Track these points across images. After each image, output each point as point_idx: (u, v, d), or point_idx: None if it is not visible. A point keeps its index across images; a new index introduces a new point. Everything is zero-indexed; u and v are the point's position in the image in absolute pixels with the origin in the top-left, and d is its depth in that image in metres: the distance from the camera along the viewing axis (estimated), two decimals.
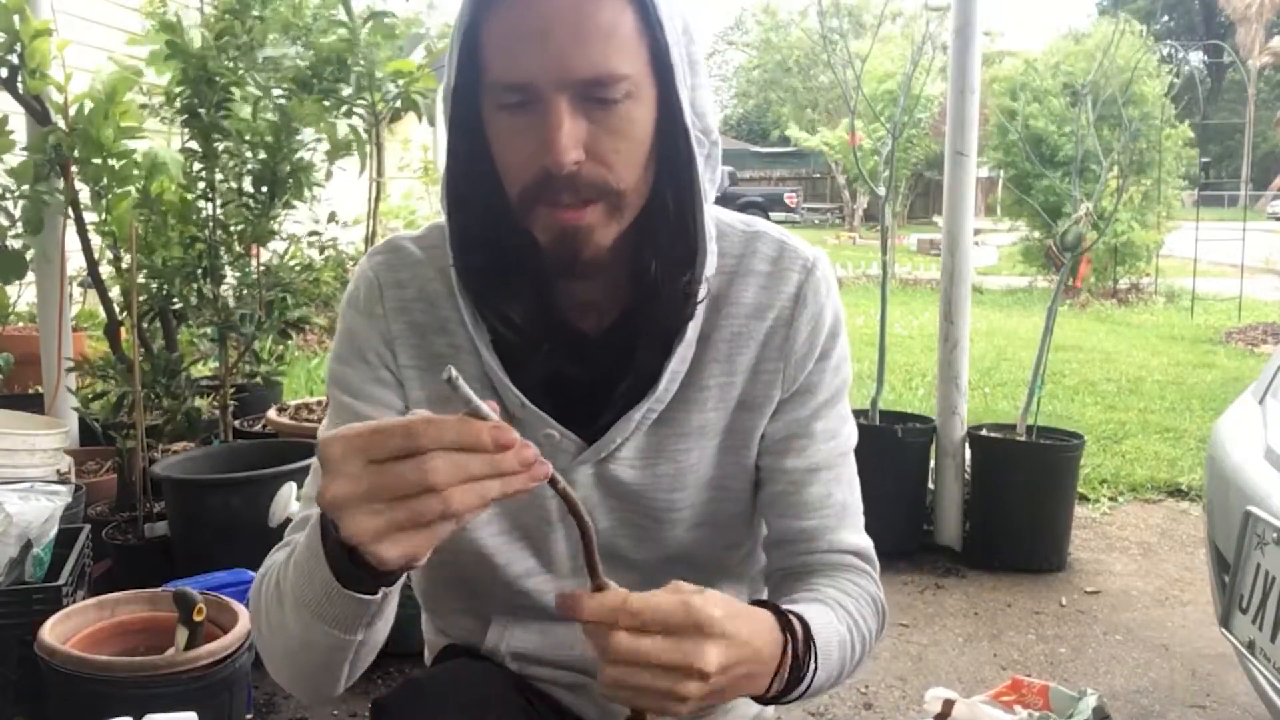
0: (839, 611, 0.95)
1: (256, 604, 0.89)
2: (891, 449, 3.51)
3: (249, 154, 3.08)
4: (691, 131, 0.86)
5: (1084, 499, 4.11)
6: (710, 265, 0.91)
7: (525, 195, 0.84)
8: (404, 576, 0.80)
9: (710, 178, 0.90)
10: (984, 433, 3.60)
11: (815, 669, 0.87)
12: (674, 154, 0.86)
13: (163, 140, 3.41)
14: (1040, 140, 10.96)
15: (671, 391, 0.95)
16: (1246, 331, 9.21)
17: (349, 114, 3.25)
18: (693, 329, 0.93)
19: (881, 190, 3.88)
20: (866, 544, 1.04)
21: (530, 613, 1.04)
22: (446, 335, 0.96)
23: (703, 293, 0.91)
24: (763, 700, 0.85)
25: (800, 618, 0.87)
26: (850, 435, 1.05)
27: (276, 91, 3.06)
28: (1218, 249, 11.73)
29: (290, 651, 0.84)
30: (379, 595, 0.76)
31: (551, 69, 0.78)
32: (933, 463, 3.62)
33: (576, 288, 0.92)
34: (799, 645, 0.85)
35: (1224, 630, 1.91)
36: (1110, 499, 4.27)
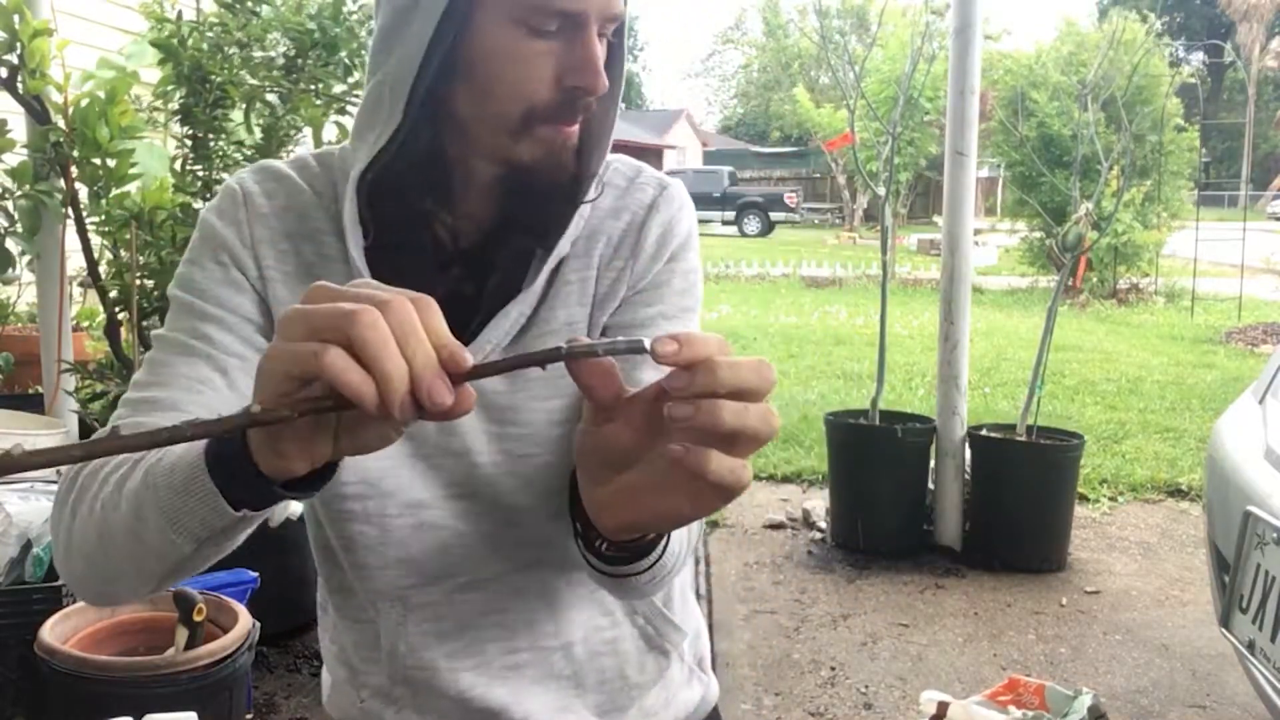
0: None
1: (74, 479, 0.83)
2: (891, 449, 3.50)
3: (243, 154, 3.07)
4: (625, 67, 0.99)
5: (1084, 499, 4.11)
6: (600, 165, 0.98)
7: (532, 113, 0.90)
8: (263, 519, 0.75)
9: None
10: (984, 433, 3.59)
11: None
12: (616, 85, 0.97)
13: (155, 142, 3.40)
14: (1051, 141, 10.95)
15: (539, 290, 0.94)
16: (1246, 331, 9.22)
17: (342, 110, 3.23)
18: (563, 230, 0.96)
19: (881, 190, 3.88)
20: None
21: (426, 584, 0.96)
22: (314, 244, 0.96)
23: (593, 193, 0.96)
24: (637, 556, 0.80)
25: None
26: None
27: (271, 95, 3.05)
28: (1218, 249, 11.74)
29: (110, 536, 0.78)
30: (240, 514, 0.70)
31: (600, 4, 0.89)
32: (933, 463, 3.61)
33: (468, 201, 0.94)
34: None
35: (1224, 630, 1.91)
36: (1110, 499, 4.27)
